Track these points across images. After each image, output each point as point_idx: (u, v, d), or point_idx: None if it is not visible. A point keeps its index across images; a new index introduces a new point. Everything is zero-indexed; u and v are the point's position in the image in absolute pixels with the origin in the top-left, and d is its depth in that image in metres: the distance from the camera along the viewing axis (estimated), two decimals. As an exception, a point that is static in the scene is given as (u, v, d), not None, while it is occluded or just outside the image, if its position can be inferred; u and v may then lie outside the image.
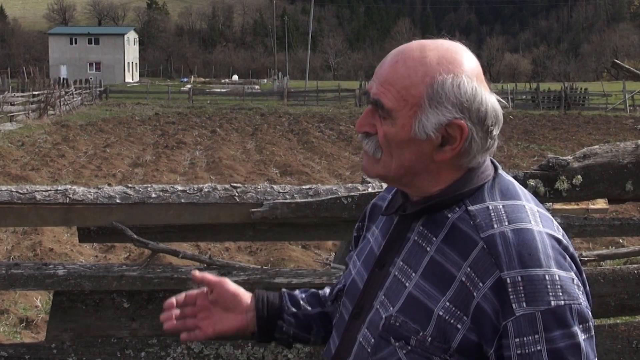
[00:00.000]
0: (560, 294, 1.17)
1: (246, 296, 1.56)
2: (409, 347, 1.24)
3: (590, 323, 1.20)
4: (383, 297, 1.31)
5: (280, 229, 2.54)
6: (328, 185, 2.54)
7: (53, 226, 5.68)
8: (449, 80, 1.23)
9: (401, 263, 1.31)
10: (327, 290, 1.64)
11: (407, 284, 1.27)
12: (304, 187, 2.52)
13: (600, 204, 2.59)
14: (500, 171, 1.34)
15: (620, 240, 7.21)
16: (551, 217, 1.29)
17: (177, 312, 1.49)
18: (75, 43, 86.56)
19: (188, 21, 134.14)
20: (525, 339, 1.15)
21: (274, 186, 2.52)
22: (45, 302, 5.63)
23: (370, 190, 2.49)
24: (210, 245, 7.20)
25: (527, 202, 1.28)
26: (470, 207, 1.26)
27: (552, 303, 1.16)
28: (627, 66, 3.72)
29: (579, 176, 2.41)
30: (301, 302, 1.58)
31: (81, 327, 2.52)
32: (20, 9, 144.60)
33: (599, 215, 2.94)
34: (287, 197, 2.45)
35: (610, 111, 35.10)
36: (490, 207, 1.25)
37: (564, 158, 2.45)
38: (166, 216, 2.42)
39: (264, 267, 2.62)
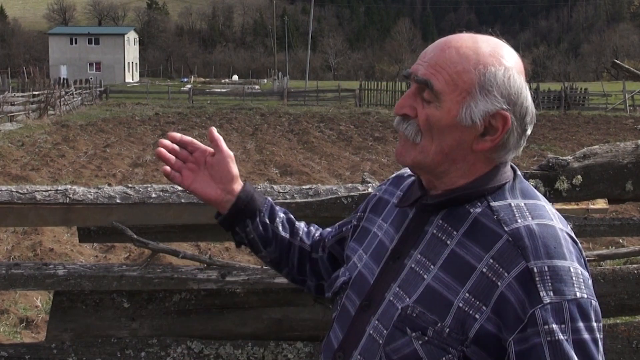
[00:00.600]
0: (583, 287, 1.20)
1: (237, 181, 1.58)
2: (426, 338, 1.24)
3: (601, 324, 1.22)
4: (397, 289, 1.31)
5: (280, 229, 2.54)
6: (328, 185, 2.54)
7: (53, 226, 5.68)
8: (501, 72, 1.26)
9: (419, 256, 1.31)
10: (302, 226, 1.67)
11: (425, 276, 1.28)
12: (304, 187, 2.52)
13: (600, 204, 2.59)
14: (519, 174, 1.36)
15: (620, 240, 7.21)
16: (566, 221, 1.32)
17: (175, 147, 1.54)
18: (75, 43, 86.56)
19: (188, 21, 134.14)
20: (553, 326, 1.16)
21: (274, 186, 2.52)
22: (45, 302, 5.63)
23: (370, 190, 2.49)
24: (210, 245, 7.20)
25: (546, 204, 1.31)
26: (493, 203, 1.28)
27: (577, 294, 1.18)
28: (627, 66, 3.71)
29: (579, 176, 2.41)
30: (277, 219, 1.62)
31: (81, 327, 2.52)
32: (20, 9, 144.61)
33: (599, 215, 2.94)
34: (287, 197, 2.45)
35: (610, 111, 35.09)
36: (513, 204, 1.28)
37: (564, 158, 2.45)
38: (166, 216, 2.42)
39: (264, 267, 2.61)
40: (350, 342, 1.37)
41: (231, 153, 1.57)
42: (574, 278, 1.19)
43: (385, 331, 1.30)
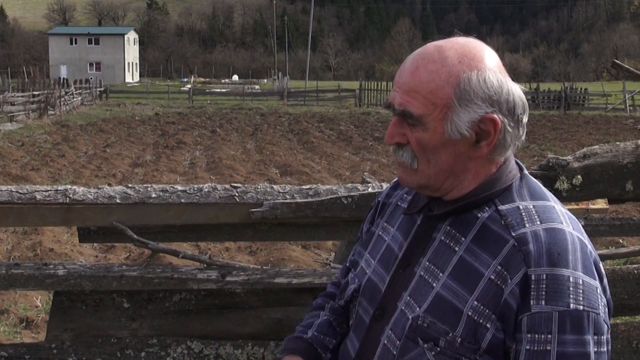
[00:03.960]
0: (581, 298, 1.15)
1: None
2: (438, 349, 1.23)
3: (605, 337, 1.17)
4: (408, 297, 1.29)
5: (280, 229, 2.54)
6: (328, 185, 2.54)
7: (53, 226, 5.67)
8: (474, 77, 1.23)
9: (427, 263, 1.29)
10: (330, 290, 1.62)
11: (434, 284, 1.26)
12: (304, 187, 2.52)
13: (600, 204, 2.59)
14: (526, 172, 1.34)
15: (620, 240, 7.21)
16: (576, 219, 1.29)
17: None
18: (75, 43, 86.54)
19: (188, 21, 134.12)
20: (537, 336, 1.15)
21: (274, 186, 2.52)
22: (45, 302, 5.63)
23: (370, 190, 2.48)
24: (210, 245, 7.20)
25: (557, 204, 1.28)
26: (501, 207, 1.25)
27: (572, 306, 1.15)
28: (627, 66, 3.71)
29: (579, 176, 2.41)
30: (326, 341, 1.53)
31: (81, 327, 2.52)
32: (20, 9, 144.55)
33: (599, 215, 2.94)
34: (287, 197, 2.45)
35: (610, 111, 35.08)
36: (521, 207, 1.25)
37: (564, 158, 2.45)
38: (166, 216, 2.42)
39: (264, 267, 2.62)
40: (366, 352, 1.35)
41: None
42: (571, 288, 1.15)
43: (398, 342, 1.28)
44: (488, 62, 1.25)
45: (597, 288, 1.18)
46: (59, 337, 2.51)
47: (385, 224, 1.46)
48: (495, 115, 1.23)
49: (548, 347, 1.15)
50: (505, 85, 1.24)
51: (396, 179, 1.56)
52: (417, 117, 1.25)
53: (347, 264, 1.60)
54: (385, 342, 1.30)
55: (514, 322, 1.17)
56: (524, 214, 1.23)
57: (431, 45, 1.28)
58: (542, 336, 1.14)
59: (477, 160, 1.27)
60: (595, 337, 1.16)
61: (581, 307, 1.15)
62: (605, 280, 1.24)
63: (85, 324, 2.52)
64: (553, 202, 1.28)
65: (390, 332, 1.30)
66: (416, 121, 1.25)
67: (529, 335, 1.15)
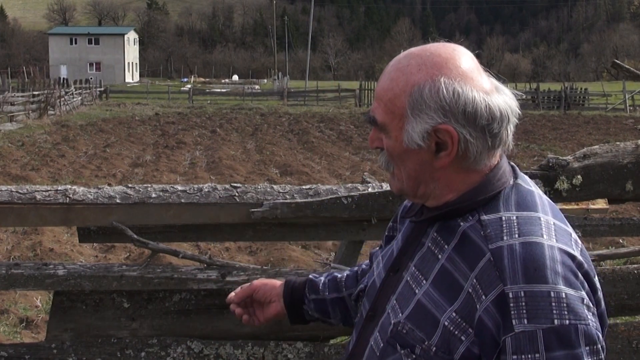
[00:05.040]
0: (566, 312, 1.11)
1: (276, 285, 1.69)
2: (414, 356, 1.22)
3: (599, 346, 1.14)
4: (395, 302, 1.29)
5: (280, 229, 2.54)
6: (328, 185, 2.54)
7: (53, 226, 5.68)
8: (427, 87, 1.20)
9: (413, 268, 1.29)
10: (345, 273, 1.69)
11: (417, 291, 1.25)
12: (304, 187, 2.52)
13: (600, 204, 2.59)
14: (520, 180, 1.29)
15: (620, 240, 7.21)
16: (571, 230, 1.24)
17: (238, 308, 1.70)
18: (76, 43, 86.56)
19: (188, 21, 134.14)
20: (524, 356, 1.11)
21: (274, 186, 2.52)
22: (45, 302, 5.63)
23: (370, 190, 2.49)
24: (210, 245, 7.20)
25: (544, 215, 1.22)
26: (484, 217, 1.22)
27: (556, 322, 1.10)
28: (627, 66, 3.71)
29: (579, 176, 2.41)
30: (320, 287, 1.65)
31: (81, 327, 2.52)
32: (20, 9, 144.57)
33: (599, 215, 2.94)
34: (287, 197, 2.45)
35: (610, 111, 35.09)
36: (504, 218, 1.21)
37: (564, 158, 2.45)
38: (166, 216, 2.42)
39: (264, 267, 2.61)
40: (358, 351, 1.36)
41: (250, 286, 1.72)
42: (553, 304, 1.11)
43: (381, 344, 1.29)
44: (448, 71, 1.21)
45: (582, 299, 1.13)
46: (59, 337, 2.51)
47: (399, 227, 1.48)
48: (449, 126, 1.20)
49: None
50: (463, 94, 1.19)
51: None
52: (380, 124, 1.26)
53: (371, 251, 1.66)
54: (372, 343, 1.31)
55: (491, 342, 1.14)
56: (504, 225, 1.19)
57: (406, 52, 1.27)
58: (530, 356, 1.11)
59: (444, 170, 1.24)
60: (588, 348, 1.12)
61: (567, 322, 1.11)
62: (599, 293, 1.20)
63: (85, 324, 2.52)
64: (541, 212, 1.22)
65: (377, 334, 1.31)
66: (381, 128, 1.27)
67: (514, 357, 1.11)
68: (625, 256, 3.07)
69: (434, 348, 1.20)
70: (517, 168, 1.32)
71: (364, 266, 1.69)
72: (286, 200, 2.42)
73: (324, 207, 2.43)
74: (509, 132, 1.25)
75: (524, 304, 1.11)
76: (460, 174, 1.25)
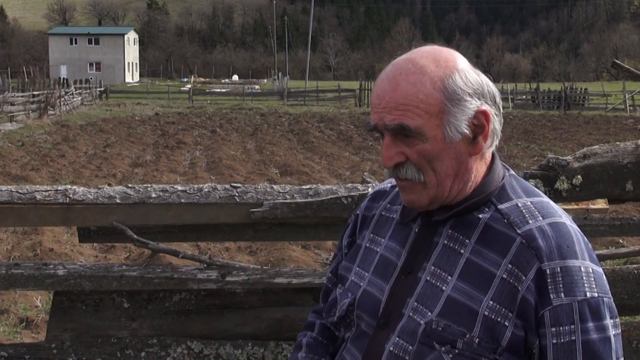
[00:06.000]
0: (594, 286, 1.20)
1: None
2: (456, 351, 1.23)
3: (618, 319, 1.25)
4: (415, 303, 1.29)
5: (280, 229, 2.54)
6: (328, 185, 2.54)
7: (53, 226, 5.68)
8: (456, 76, 1.25)
9: (432, 267, 1.29)
10: (310, 320, 1.58)
11: (444, 288, 1.26)
12: (304, 187, 2.52)
13: (600, 204, 2.59)
14: (511, 170, 1.37)
15: (620, 240, 7.21)
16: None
17: None
18: (75, 43, 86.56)
19: (188, 21, 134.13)
20: (561, 328, 1.18)
21: (274, 186, 2.52)
22: (45, 302, 5.63)
23: (370, 190, 2.48)
24: (210, 245, 7.20)
25: (549, 200, 1.32)
26: (500, 206, 1.28)
27: (588, 294, 1.19)
28: (627, 66, 3.71)
29: (579, 176, 2.41)
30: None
31: (81, 327, 2.52)
32: (20, 9, 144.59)
33: (599, 215, 2.94)
34: (287, 197, 2.45)
35: (610, 111, 35.08)
36: (520, 205, 1.28)
37: (564, 158, 2.45)
38: (166, 216, 2.42)
39: (264, 267, 2.62)
40: None
41: None
42: (584, 278, 1.20)
43: (410, 347, 1.27)
44: (460, 62, 1.28)
45: (603, 274, 1.23)
46: (59, 337, 2.51)
47: (372, 236, 1.44)
48: (485, 107, 1.27)
49: (573, 338, 1.19)
50: (480, 78, 1.29)
51: (373, 191, 1.55)
52: (414, 129, 1.24)
53: (328, 284, 1.57)
54: (391, 348, 1.30)
55: (535, 318, 1.20)
56: (524, 211, 1.27)
57: (400, 61, 1.28)
58: (566, 328, 1.18)
59: (475, 158, 1.29)
60: (612, 321, 1.22)
61: (596, 295, 1.20)
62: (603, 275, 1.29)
63: (85, 324, 2.52)
64: (546, 198, 1.32)
65: (397, 339, 1.29)
66: (414, 133, 1.24)
67: (553, 329, 1.19)
68: (625, 256, 3.07)
69: (477, 339, 1.22)
70: (503, 162, 1.39)
71: (312, 319, 1.59)
72: (286, 200, 2.42)
73: (324, 207, 2.43)
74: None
75: (560, 278, 1.19)
76: (478, 163, 1.31)
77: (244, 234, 2.57)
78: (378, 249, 1.41)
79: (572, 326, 1.18)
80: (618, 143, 2.53)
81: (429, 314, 1.26)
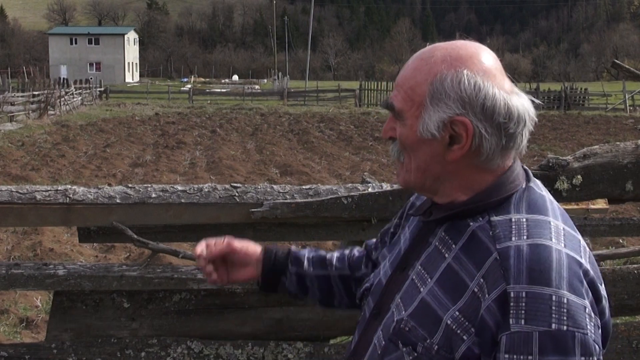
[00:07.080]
0: (565, 318, 1.09)
1: (256, 250, 1.64)
2: (415, 354, 1.22)
3: (596, 358, 1.11)
4: (399, 300, 1.29)
5: (280, 229, 2.54)
6: (328, 185, 2.54)
7: (53, 226, 5.68)
8: (449, 77, 1.21)
9: (419, 267, 1.29)
10: (334, 254, 1.67)
11: (421, 289, 1.25)
12: (304, 187, 2.52)
13: (600, 204, 2.59)
14: (533, 183, 1.29)
15: (620, 240, 7.21)
16: (580, 237, 1.23)
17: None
18: (76, 43, 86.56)
19: (188, 21, 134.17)
20: (516, 356, 1.10)
21: (274, 186, 2.52)
22: (45, 302, 5.63)
23: (370, 190, 2.49)
24: (210, 245, 7.19)
25: (555, 219, 1.21)
26: (494, 218, 1.22)
27: (553, 326, 1.09)
28: (627, 66, 3.71)
29: (579, 176, 2.41)
30: (304, 262, 1.64)
31: (81, 327, 2.52)
32: (20, 9, 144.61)
33: (599, 215, 2.94)
34: (287, 197, 2.45)
35: (610, 111, 35.08)
36: (513, 219, 1.20)
37: (564, 158, 2.45)
38: (166, 216, 2.42)
39: (264, 267, 2.61)
40: (360, 349, 1.36)
41: (227, 244, 1.60)
42: (553, 307, 1.09)
43: (383, 342, 1.28)
44: (471, 65, 1.22)
45: (585, 308, 1.12)
46: (59, 337, 2.51)
47: (407, 228, 1.45)
48: (466, 119, 1.20)
49: None
50: (484, 89, 1.20)
51: None
52: (397, 111, 1.27)
53: (380, 233, 1.63)
54: (375, 341, 1.31)
55: (491, 340, 1.14)
56: (513, 226, 1.19)
57: (431, 45, 1.30)
58: (522, 357, 1.10)
59: (455, 164, 1.24)
60: (583, 358, 1.10)
61: (565, 328, 1.09)
62: (604, 302, 1.19)
63: (85, 324, 2.52)
64: (552, 217, 1.22)
65: (380, 332, 1.31)
66: (397, 115, 1.28)
67: (506, 356, 1.11)
68: (625, 256, 3.07)
69: (436, 346, 1.19)
70: (530, 172, 1.32)
71: (356, 253, 1.67)
72: (286, 200, 2.42)
73: (324, 207, 2.43)
74: (524, 135, 1.25)
75: (523, 304, 1.10)
76: (472, 172, 1.25)
77: (244, 234, 2.57)
78: (402, 241, 1.43)
79: (530, 356, 1.09)
80: (618, 143, 2.53)
81: (403, 312, 1.26)
